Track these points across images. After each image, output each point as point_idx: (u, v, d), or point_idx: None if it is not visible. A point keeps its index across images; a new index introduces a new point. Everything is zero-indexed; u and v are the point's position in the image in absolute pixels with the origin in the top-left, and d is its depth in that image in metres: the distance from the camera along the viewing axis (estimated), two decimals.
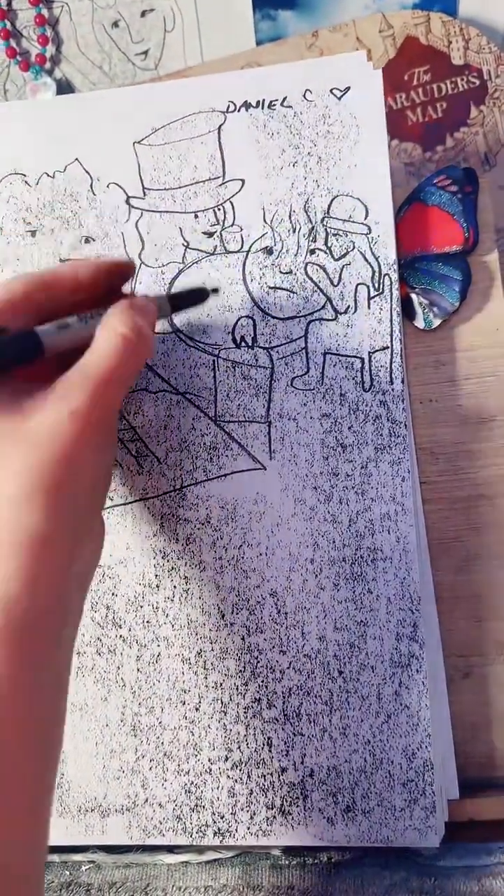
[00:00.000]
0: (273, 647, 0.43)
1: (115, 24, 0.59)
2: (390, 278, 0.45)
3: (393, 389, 0.44)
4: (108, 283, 0.39)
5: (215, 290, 0.44)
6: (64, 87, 0.59)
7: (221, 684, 0.43)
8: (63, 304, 0.38)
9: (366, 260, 0.45)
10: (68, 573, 0.34)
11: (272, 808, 0.42)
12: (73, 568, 0.34)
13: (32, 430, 0.32)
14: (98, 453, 0.35)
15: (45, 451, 0.32)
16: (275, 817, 0.42)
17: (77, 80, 0.59)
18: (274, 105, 0.46)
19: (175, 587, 0.44)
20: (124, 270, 0.40)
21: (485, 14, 0.56)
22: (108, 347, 0.35)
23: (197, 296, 0.43)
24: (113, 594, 0.45)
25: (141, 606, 0.44)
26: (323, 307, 0.45)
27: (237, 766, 0.43)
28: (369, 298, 0.45)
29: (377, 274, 0.45)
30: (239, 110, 0.47)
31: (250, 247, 0.46)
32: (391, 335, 0.44)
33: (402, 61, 0.55)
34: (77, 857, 0.45)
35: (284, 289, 0.46)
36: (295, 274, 0.46)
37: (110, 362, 0.35)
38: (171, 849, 0.44)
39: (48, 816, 0.32)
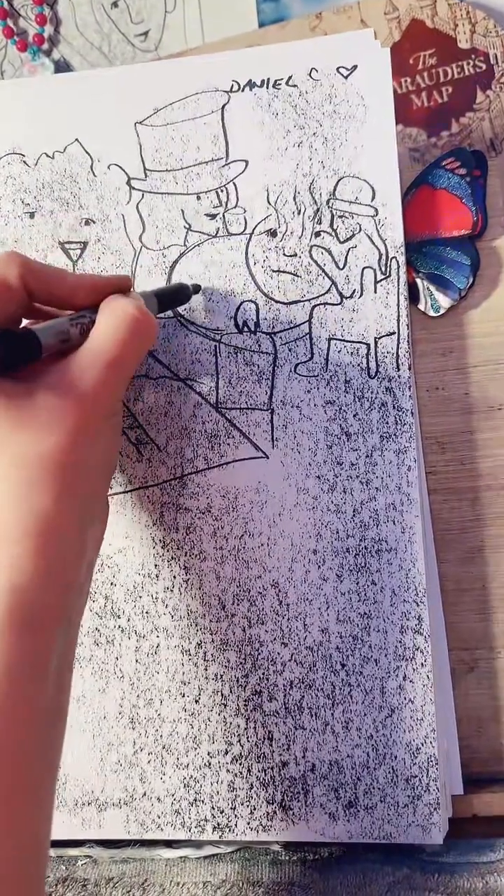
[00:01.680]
0: (274, 638, 0.43)
1: (115, 5, 0.58)
2: (397, 261, 0.44)
3: (399, 376, 0.43)
4: (101, 299, 0.38)
5: (197, 288, 0.44)
6: (62, 68, 0.58)
7: (221, 676, 0.43)
8: (50, 303, 0.37)
9: (372, 243, 0.44)
10: (78, 558, 0.34)
11: (272, 803, 0.42)
12: (83, 550, 0.34)
13: (41, 415, 0.32)
14: (104, 436, 0.36)
15: (54, 435, 0.32)
16: (275, 812, 0.42)
17: (75, 61, 0.58)
18: (279, 84, 0.46)
19: (175, 577, 0.43)
20: (121, 287, 0.39)
21: None
22: (115, 329, 0.35)
23: (181, 294, 0.44)
24: (112, 584, 0.44)
25: (140, 596, 0.44)
26: (328, 291, 0.44)
27: (237, 760, 0.42)
28: (376, 282, 0.44)
29: (384, 257, 0.44)
30: (243, 90, 0.46)
31: (254, 229, 0.45)
32: (398, 320, 0.44)
33: (408, 44, 0.54)
34: (73, 852, 0.44)
35: (288, 272, 0.45)
36: (299, 257, 0.45)
37: (117, 345, 0.35)
38: (169, 843, 0.44)
39: (51, 808, 0.32)
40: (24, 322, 0.38)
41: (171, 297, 0.43)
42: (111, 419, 0.36)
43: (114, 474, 0.44)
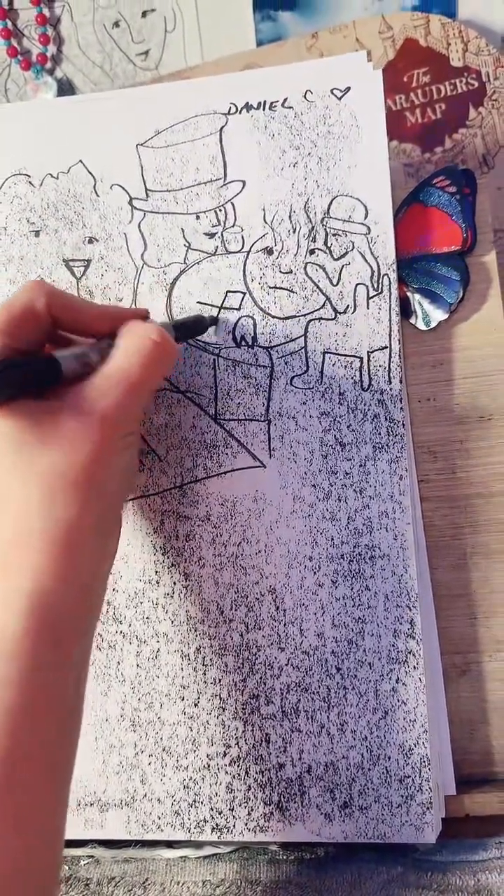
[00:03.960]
0: (271, 643, 0.44)
1: (116, 24, 0.59)
2: (389, 278, 0.45)
3: (391, 389, 0.44)
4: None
5: (214, 320, 0.46)
6: (65, 87, 0.59)
7: (220, 680, 0.44)
8: (73, 331, 0.39)
9: (365, 260, 0.45)
10: (97, 566, 0.35)
11: (270, 804, 0.43)
12: (101, 562, 0.36)
13: (65, 434, 0.34)
14: (124, 453, 0.37)
15: (77, 452, 0.33)
16: (272, 813, 0.43)
17: (78, 80, 0.59)
18: (275, 106, 0.47)
19: (175, 583, 0.45)
20: (139, 318, 0.41)
21: (484, 16, 0.56)
22: (137, 353, 0.36)
23: (198, 325, 0.45)
24: (113, 590, 0.45)
25: (141, 602, 0.45)
26: (322, 307, 0.45)
27: (235, 762, 0.43)
28: (368, 298, 0.45)
29: (376, 274, 0.45)
30: (240, 112, 0.47)
31: (251, 247, 0.46)
32: (390, 335, 0.45)
33: (402, 63, 0.56)
34: (76, 852, 0.45)
35: (284, 288, 0.46)
36: (295, 274, 0.46)
37: (140, 368, 0.36)
38: (169, 844, 0.45)
39: (66, 806, 0.34)
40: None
41: (190, 328, 0.44)
42: (129, 437, 0.38)
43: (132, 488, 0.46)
